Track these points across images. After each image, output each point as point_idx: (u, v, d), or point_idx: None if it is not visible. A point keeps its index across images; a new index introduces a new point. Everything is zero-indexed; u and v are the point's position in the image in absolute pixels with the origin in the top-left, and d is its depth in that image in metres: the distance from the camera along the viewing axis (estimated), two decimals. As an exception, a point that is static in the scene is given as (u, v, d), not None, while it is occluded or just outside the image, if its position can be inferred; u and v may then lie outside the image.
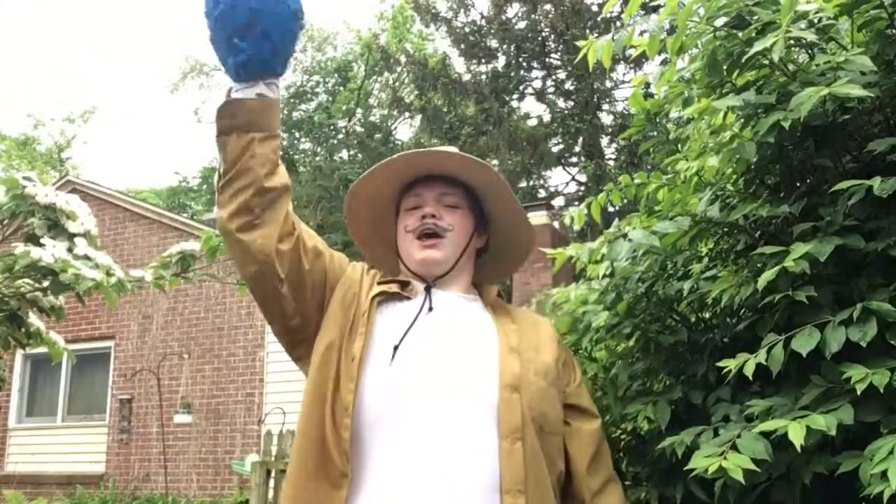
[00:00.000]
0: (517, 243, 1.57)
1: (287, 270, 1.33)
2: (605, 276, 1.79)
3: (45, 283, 3.03)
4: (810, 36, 1.36)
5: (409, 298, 1.42)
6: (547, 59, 15.16)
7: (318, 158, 22.21)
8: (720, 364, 1.37)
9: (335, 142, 23.24)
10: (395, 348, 1.31)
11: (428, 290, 1.43)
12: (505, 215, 1.53)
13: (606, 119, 14.82)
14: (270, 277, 1.32)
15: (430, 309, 1.39)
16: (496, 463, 1.25)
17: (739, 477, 1.17)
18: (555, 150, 14.94)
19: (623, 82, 15.07)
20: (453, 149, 1.52)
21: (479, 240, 1.53)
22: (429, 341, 1.34)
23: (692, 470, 1.25)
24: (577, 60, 1.95)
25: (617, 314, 1.78)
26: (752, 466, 1.18)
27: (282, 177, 1.34)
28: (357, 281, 1.42)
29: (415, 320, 1.36)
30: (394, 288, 1.41)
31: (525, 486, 1.25)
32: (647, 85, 2.25)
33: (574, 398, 1.45)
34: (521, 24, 15.31)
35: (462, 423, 1.27)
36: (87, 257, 3.05)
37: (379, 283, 1.43)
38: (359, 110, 23.82)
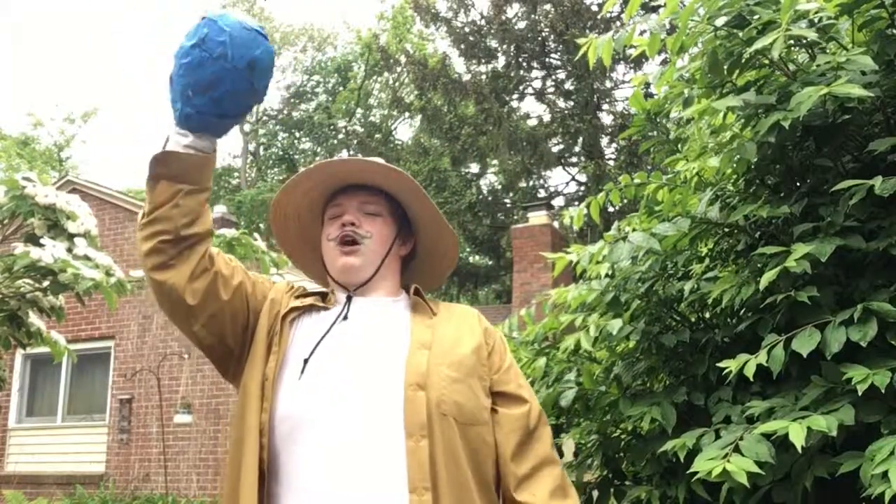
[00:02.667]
0: (442, 249, 1.59)
1: (201, 308, 1.36)
2: (605, 276, 1.79)
3: (45, 284, 3.02)
4: (811, 35, 1.36)
5: (326, 309, 1.45)
6: (547, 59, 15.16)
7: (317, 158, 22.20)
8: (721, 365, 1.37)
9: (335, 142, 23.26)
10: (305, 361, 1.34)
11: (349, 299, 1.45)
12: (426, 221, 1.55)
13: (606, 119, 14.84)
14: (184, 316, 1.37)
15: (346, 318, 1.41)
16: (403, 462, 1.27)
17: (744, 480, 1.17)
18: (555, 150, 14.94)
19: (623, 82, 15.07)
20: (377, 159, 1.53)
21: (402, 247, 1.55)
22: (338, 350, 1.36)
23: (695, 470, 1.24)
24: (577, 59, 1.95)
25: (624, 322, 1.78)
26: (756, 469, 1.18)
27: (203, 224, 1.37)
28: (279, 302, 1.45)
29: (328, 331, 1.38)
30: (308, 301, 1.45)
31: (433, 482, 1.26)
32: (647, 85, 2.24)
33: (500, 385, 1.43)
34: (521, 24, 15.31)
35: (369, 425, 1.29)
36: (86, 257, 3.04)
37: (295, 298, 1.47)
38: (359, 110, 23.83)
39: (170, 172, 1.32)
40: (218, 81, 1.27)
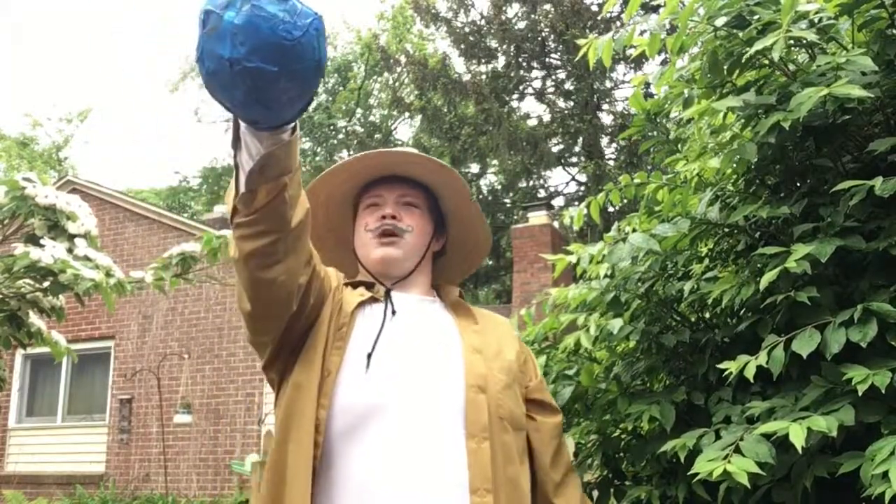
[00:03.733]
0: (471, 245, 1.58)
1: (300, 303, 1.29)
2: (605, 276, 1.79)
3: (45, 284, 3.02)
4: (811, 36, 1.36)
5: (376, 300, 1.41)
6: (547, 59, 15.15)
7: (318, 158, 22.20)
8: (721, 366, 1.37)
9: (335, 142, 23.24)
10: (369, 356, 1.31)
11: (387, 293, 1.42)
12: (462, 216, 1.53)
13: (606, 119, 14.83)
14: (282, 312, 1.27)
15: (394, 312, 1.39)
16: (464, 463, 1.26)
17: (744, 480, 1.17)
18: (555, 150, 14.94)
19: (623, 82, 15.08)
20: (413, 150, 1.51)
21: (437, 242, 1.52)
22: (395, 346, 1.34)
23: (695, 472, 1.24)
24: (577, 59, 1.96)
25: (625, 322, 1.78)
26: (757, 469, 1.18)
27: (303, 205, 1.24)
28: (340, 292, 1.40)
29: (382, 326, 1.35)
30: (367, 294, 1.41)
31: (493, 484, 1.26)
32: (647, 85, 2.24)
33: (536, 393, 1.46)
34: (521, 24, 15.31)
35: (430, 426, 1.27)
36: (87, 258, 3.04)
37: (346, 286, 1.42)
38: (359, 110, 23.82)
39: (271, 175, 1.15)
40: (287, 89, 1.04)
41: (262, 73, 0.99)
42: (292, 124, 1.14)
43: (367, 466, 1.25)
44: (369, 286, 1.43)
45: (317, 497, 1.24)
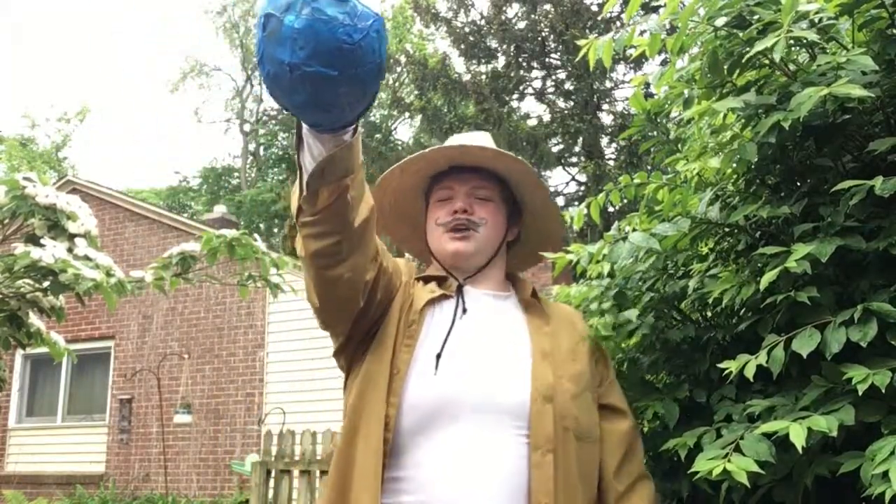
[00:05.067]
0: (548, 233, 1.56)
1: (367, 299, 1.29)
2: (605, 276, 1.79)
3: (45, 284, 3.02)
4: (811, 36, 1.36)
5: (447, 297, 1.39)
6: (547, 59, 15.15)
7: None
8: (721, 365, 1.37)
9: (335, 142, 23.20)
10: (438, 356, 1.29)
11: (460, 289, 1.40)
12: (537, 206, 1.52)
13: (606, 119, 14.83)
14: (350, 307, 1.28)
15: (465, 311, 1.36)
16: (527, 474, 1.24)
17: (744, 479, 1.17)
18: (555, 150, 14.93)
19: (623, 82, 15.07)
20: (485, 136, 1.48)
21: (511, 233, 1.50)
22: (464, 350, 1.32)
23: (695, 470, 1.24)
24: (577, 60, 1.96)
25: (631, 316, 1.78)
26: (757, 468, 1.18)
27: (367, 203, 1.22)
28: (410, 287, 1.39)
29: (452, 325, 1.33)
30: (438, 292, 1.38)
31: (554, 497, 1.24)
32: (647, 85, 2.25)
33: (606, 397, 1.41)
34: (521, 25, 15.30)
35: (495, 433, 1.26)
36: (87, 258, 3.04)
37: (417, 280, 1.40)
38: (359, 110, 23.78)
39: (332, 177, 1.15)
40: (342, 95, 1.04)
41: (322, 78, 0.98)
42: (354, 125, 1.14)
43: (432, 466, 1.24)
44: (441, 281, 1.41)
45: (388, 493, 1.24)
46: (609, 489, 1.36)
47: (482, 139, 1.48)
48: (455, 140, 1.49)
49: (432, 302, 1.37)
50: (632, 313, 1.75)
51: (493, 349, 1.33)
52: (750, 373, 1.29)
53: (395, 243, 1.57)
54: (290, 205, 1.24)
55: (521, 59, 15.12)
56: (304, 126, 1.12)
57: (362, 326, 1.33)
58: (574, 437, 1.30)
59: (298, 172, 1.18)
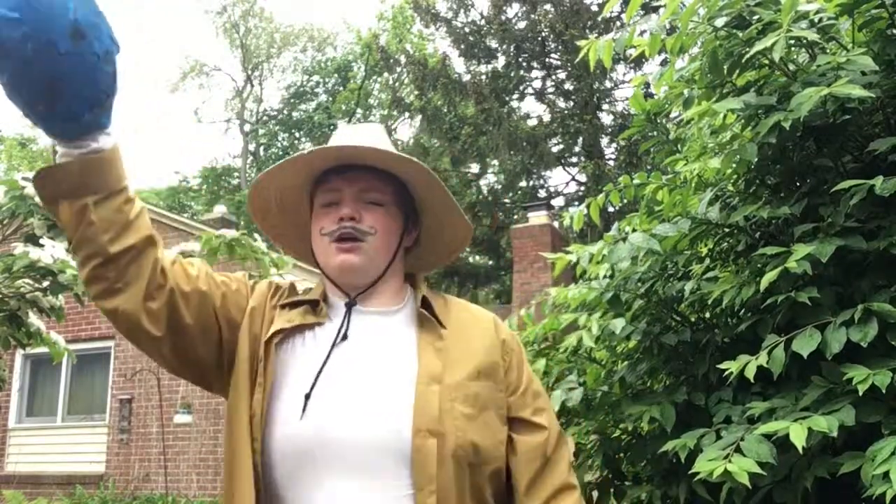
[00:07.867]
0: (451, 238, 1.38)
1: (164, 328, 1.17)
2: (605, 276, 1.79)
3: (45, 284, 3.02)
4: (811, 36, 1.36)
5: (320, 324, 1.24)
6: (547, 59, 15.15)
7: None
8: (721, 366, 1.37)
9: (335, 142, 23.23)
10: (307, 397, 1.16)
11: (349, 307, 1.25)
12: (435, 204, 1.33)
13: (606, 119, 14.83)
14: (147, 340, 1.17)
15: (345, 337, 1.22)
16: None
17: (745, 480, 1.17)
18: (555, 150, 14.93)
19: (623, 82, 15.07)
20: (375, 128, 1.32)
21: (409, 237, 1.33)
22: (339, 385, 1.18)
23: (696, 471, 1.24)
24: (577, 60, 1.95)
25: (626, 322, 1.78)
26: (758, 470, 1.18)
27: (135, 234, 1.16)
28: (260, 315, 1.25)
29: (327, 359, 1.19)
30: (295, 321, 1.23)
31: None
32: (647, 85, 2.24)
33: (517, 410, 1.26)
34: (521, 24, 15.31)
35: (374, 482, 1.14)
36: (86, 258, 3.04)
37: (281, 308, 1.26)
38: (359, 110, 23.82)
39: (65, 189, 1.08)
40: (57, 83, 1.01)
41: (5, 22, 0.95)
42: (100, 143, 1.09)
43: None
44: (313, 305, 1.26)
45: None
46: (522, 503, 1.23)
47: (370, 133, 1.31)
48: (339, 136, 1.32)
49: (284, 332, 1.22)
50: (618, 322, 1.73)
51: (371, 380, 1.19)
52: (750, 373, 1.29)
53: (285, 252, 1.41)
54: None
55: (521, 59, 15.12)
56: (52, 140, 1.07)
57: (202, 364, 1.22)
58: (468, 465, 1.17)
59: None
